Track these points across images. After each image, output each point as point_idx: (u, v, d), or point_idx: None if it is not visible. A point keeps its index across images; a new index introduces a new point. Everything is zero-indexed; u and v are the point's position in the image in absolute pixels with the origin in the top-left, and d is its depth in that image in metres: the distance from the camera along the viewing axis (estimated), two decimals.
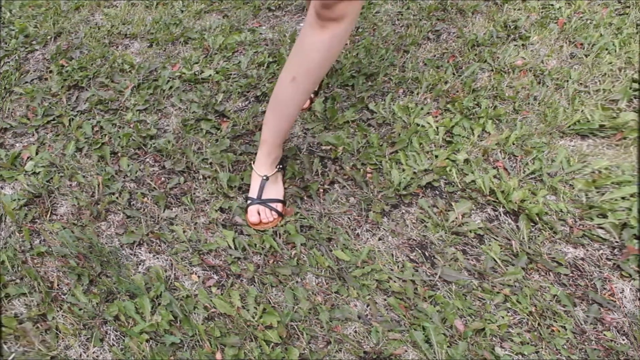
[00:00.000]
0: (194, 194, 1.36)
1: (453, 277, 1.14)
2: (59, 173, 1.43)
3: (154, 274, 1.16)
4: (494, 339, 1.04)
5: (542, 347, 1.02)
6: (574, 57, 1.75)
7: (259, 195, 1.26)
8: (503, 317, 1.06)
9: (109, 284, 1.15)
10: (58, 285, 1.16)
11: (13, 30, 2.10)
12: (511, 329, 1.05)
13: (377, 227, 1.26)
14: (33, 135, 1.58)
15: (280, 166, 1.31)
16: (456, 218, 1.25)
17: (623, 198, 1.26)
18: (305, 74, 1.07)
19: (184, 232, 1.27)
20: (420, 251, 1.21)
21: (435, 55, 1.82)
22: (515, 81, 1.66)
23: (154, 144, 1.51)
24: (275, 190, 1.29)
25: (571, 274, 1.14)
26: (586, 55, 1.74)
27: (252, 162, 1.33)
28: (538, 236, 1.21)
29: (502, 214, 1.27)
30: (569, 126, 1.47)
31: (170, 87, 1.73)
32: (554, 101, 1.56)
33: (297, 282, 1.15)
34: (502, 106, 1.57)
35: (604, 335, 1.03)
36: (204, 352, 1.03)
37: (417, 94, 1.65)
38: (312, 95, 1.64)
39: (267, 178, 1.27)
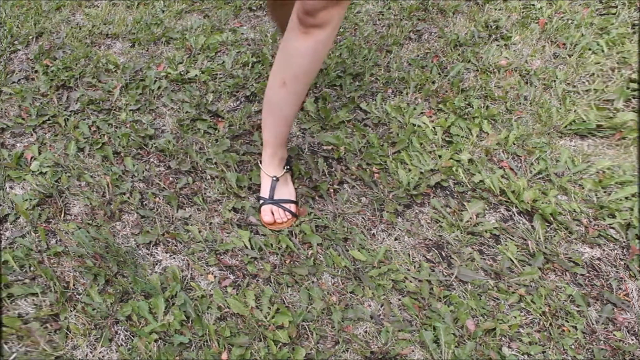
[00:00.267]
0: (205, 194, 1.37)
1: (469, 277, 1.15)
2: (65, 173, 1.43)
3: (170, 274, 1.17)
4: (503, 339, 1.05)
5: (549, 347, 1.03)
6: (557, 57, 1.75)
7: (271, 195, 1.27)
8: (515, 317, 1.07)
9: (125, 284, 1.15)
10: (74, 285, 1.17)
11: (4, 30, 2.09)
12: (522, 329, 1.06)
13: (393, 227, 1.27)
14: (32, 135, 1.57)
15: (288, 167, 1.32)
16: (470, 218, 1.26)
17: (626, 198, 1.27)
18: (294, 79, 1.06)
19: (200, 232, 1.27)
20: (436, 251, 1.22)
21: (418, 55, 1.82)
22: (502, 81, 1.67)
23: (154, 144, 1.51)
24: (286, 191, 1.30)
25: (587, 274, 1.15)
26: (569, 55, 1.75)
27: (257, 162, 1.33)
28: (554, 236, 1.22)
29: (516, 214, 1.28)
30: (565, 126, 1.48)
31: (159, 87, 1.73)
32: (545, 101, 1.57)
33: (313, 282, 1.16)
34: (494, 106, 1.58)
35: (614, 335, 1.04)
36: (210, 352, 1.03)
37: (407, 94, 1.66)
38: None
39: (277, 179, 1.27)
